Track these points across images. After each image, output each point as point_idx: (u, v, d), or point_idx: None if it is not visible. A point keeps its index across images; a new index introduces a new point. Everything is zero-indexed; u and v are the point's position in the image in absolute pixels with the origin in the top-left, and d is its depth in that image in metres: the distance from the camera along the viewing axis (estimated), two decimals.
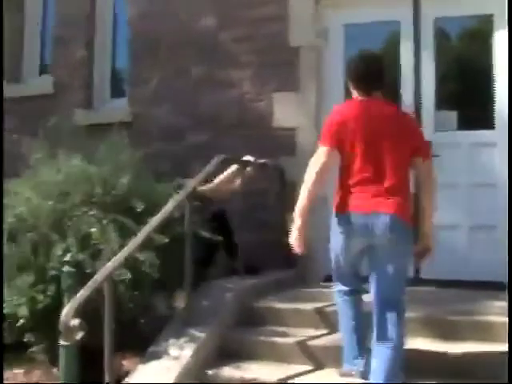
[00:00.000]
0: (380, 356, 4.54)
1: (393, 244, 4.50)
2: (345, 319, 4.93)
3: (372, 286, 4.64)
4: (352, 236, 4.59)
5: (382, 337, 4.55)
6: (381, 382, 4.48)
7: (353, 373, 4.87)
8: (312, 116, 7.18)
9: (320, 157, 4.61)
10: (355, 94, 4.76)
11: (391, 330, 4.53)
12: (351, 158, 4.58)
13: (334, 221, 4.71)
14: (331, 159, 4.61)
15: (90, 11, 8.43)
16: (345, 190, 4.63)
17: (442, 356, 4.91)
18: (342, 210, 4.62)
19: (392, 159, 4.54)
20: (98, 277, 4.60)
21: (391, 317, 4.54)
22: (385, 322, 4.55)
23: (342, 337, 4.98)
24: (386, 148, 4.54)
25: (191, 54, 7.76)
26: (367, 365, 4.72)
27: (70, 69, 8.35)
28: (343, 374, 4.96)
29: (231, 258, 6.51)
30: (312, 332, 5.49)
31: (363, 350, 4.83)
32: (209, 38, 7.68)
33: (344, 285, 4.89)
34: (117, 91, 8.52)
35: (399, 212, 4.51)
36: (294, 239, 4.66)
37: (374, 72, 4.72)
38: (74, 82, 8.34)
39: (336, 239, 4.72)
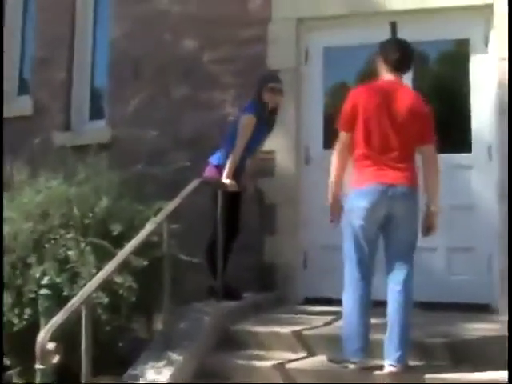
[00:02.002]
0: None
1: (408, 212, 5.01)
2: (357, 307, 5.01)
3: (386, 258, 5.10)
4: (372, 206, 4.96)
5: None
6: None
7: (351, 365, 5.01)
8: (292, 138, 7.22)
9: (339, 142, 5.18)
10: (383, 72, 5.23)
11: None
12: (364, 136, 5.03)
13: (352, 198, 5.07)
14: (347, 141, 5.13)
15: (69, 32, 8.44)
16: (360, 167, 5.08)
17: None
18: (360, 185, 5.03)
19: (402, 136, 5.00)
20: (76, 300, 4.57)
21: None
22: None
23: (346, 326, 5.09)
24: (395, 126, 4.99)
25: (173, 75, 7.77)
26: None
27: (50, 90, 8.36)
28: (333, 360, 5.15)
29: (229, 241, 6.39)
30: (290, 355, 5.47)
31: (368, 343, 5.03)
32: (191, 59, 7.70)
33: (360, 269, 5.03)
34: (96, 113, 8.50)
35: (412, 184, 5.04)
36: (330, 210, 5.24)
37: (407, 56, 5.26)
38: (53, 103, 8.34)
39: (355, 214, 5.01)
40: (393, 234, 5.04)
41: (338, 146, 5.18)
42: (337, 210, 5.22)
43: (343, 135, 5.14)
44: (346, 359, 5.03)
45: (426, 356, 5.21)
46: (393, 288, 4.99)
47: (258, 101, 6.57)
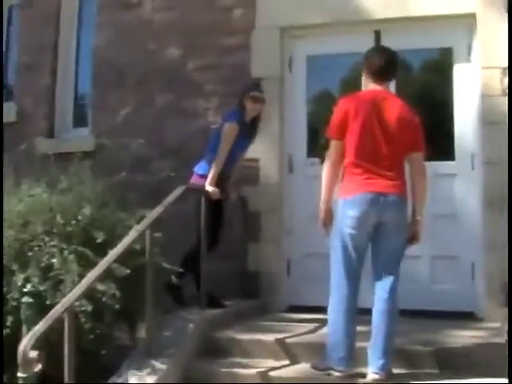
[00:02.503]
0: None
1: (398, 220, 4.99)
2: (343, 315, 5.00)
3: (373, 266, 5.07)
4: (362, 215, 4.94)
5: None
6: None
7: (335, 373, 5.00)
8: (275, 145, 7.22)
9: (331, 150, 5.13)
10: (369, 82, 5.22)
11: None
12: (354, 145, 5.00)
13: (342, 207, 5.03)
14: (339, 149, 5.07)
15: (54, 39, 8.41)
16: (350, 175, 5.04)
17: None
18: (351, 194, 5.00)
19: (392, 145, 4.99)
20: (58, 308, 4.54)
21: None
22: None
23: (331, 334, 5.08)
24: (386, 135, 4.98)
25: (157, 83, 7.76)
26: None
27: (34, 97, 8.33)
28: (317, 368, 5.14)
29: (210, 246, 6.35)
30: (274, 363, 5.46)
31: (353, 351, 5.00)
32: (174, 67, 7.70)
33: (347, 277, 5.00)
34: (80, 120, 8.47)
35: (402, 192, 5.03)
36: (321, 222, 5.17)
37: (392, 64, 5.24)
38: (37, 110, 8.30)
39: (345, 223, 4.99)
40: (382, 242, 5.02)
41: (330, 154, 5.13)
42: (329, 219, 5.19)
43: (335, 143, 5.10)
44: (330, 367, 5.02)
45: (410, 364, 5.21)
46: (380, 296, 4.98)
47: (240, 109, 6.58)
